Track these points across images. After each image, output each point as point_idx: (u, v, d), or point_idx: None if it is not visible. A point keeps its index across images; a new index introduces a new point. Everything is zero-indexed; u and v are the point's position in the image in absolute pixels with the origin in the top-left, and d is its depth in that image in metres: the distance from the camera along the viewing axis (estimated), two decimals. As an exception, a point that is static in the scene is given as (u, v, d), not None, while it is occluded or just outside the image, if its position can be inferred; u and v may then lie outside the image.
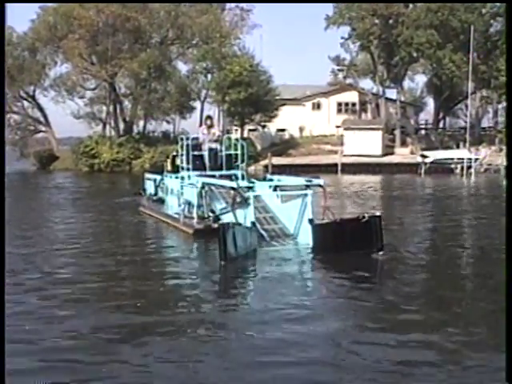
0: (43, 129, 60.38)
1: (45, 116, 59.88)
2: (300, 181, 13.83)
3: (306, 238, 12.68)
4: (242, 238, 11.34)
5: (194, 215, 14.77)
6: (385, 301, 8.77)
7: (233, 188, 13.12)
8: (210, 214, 14.53)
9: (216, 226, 13.17)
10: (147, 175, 21.66)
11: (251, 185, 13.04)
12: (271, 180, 14.45)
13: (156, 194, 19.53)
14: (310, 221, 12.73)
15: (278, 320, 7.78)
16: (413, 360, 6.43)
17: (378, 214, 11.67)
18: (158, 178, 19.53)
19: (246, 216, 12.49)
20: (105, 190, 32.39)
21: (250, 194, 12.74)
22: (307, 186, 13.12)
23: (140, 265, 11.46)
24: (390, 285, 9.73)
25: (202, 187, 14.77)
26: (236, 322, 7.91)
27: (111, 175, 44.60)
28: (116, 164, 49.90)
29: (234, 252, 11.03)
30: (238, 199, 13.02)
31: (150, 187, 20.37)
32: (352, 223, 11.85)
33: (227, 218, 13.19)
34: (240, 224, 12.04)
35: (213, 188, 15.00)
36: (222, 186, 14.51)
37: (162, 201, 18.80)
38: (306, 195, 12.92)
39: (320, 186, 13.33)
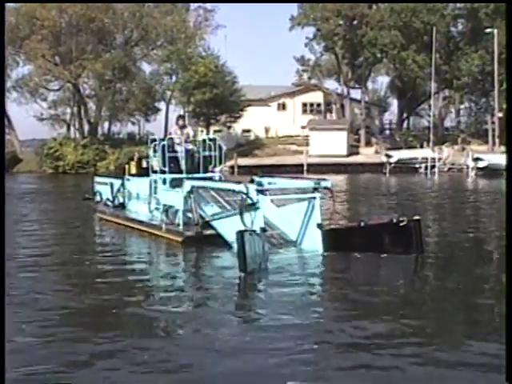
0: (6, 131, 59.39)
1: (7, 117, 58.93)
2: (306, 183, 13.11)
3: (313, 244, 11.96)
4: (258, 247, 10.39)
5: (180, 221, 13.56)
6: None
7: (241, 191, 12.10)
8: (201, 220, 13.34)
9: (206, 232, 12.80)
10: (98, 179, 19.73)
11: (260, 188, 12.34)
12: (260, 182, 13.34)
13: (114, 199, 17.83)
14: (319, 225, 11.98)
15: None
16: (413, 361, 6.34)
17: (417, 217, 11.34)
18: (116, 181, 17.91)
19: (252, 221, 11.45)
20: (68, 192, 31.73)
21: (260, 198, 11.73)
22: (315, 189, 12.34)
23: (137, 283, 9.81)
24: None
25: (190, 191, 13.57)
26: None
27: (76, 177, 43.97)
28: (81, 166, 49.40)
29: (253, 262, 10.18)
30: (246, 203, 11.86)
31: (104, 192, 18.49)
32: (384, 227, 11.53)
33: (220, 224, 12.59)
34: (255, 231, 10.98)
35: (200, 191, 13.81)
36: (228, 190, 13.29)
37: (123, 207, 17.34)
38: (314, 198, 12.17)
39: (327, 188, 12.65)
